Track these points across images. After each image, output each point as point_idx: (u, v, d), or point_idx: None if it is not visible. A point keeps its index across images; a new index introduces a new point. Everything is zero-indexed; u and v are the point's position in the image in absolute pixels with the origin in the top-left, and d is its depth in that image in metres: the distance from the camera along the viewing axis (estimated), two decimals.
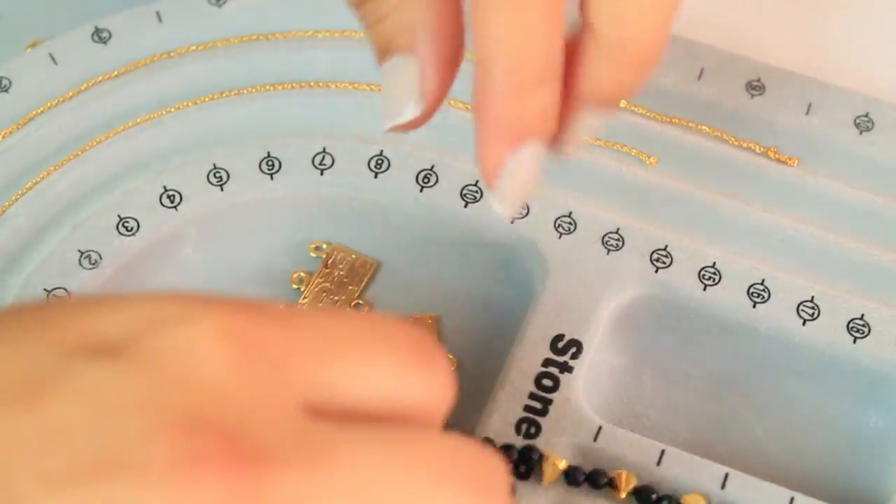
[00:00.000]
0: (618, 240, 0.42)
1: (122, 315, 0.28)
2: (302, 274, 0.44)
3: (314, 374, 0.28)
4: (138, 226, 0.42)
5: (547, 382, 0.40)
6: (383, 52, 0.35)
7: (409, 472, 0.28)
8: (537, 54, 0.34)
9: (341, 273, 0.44)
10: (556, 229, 0.42)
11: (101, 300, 0.29)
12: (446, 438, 0.29)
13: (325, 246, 0.44)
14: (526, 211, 0.43)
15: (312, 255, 0.44)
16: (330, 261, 0.44)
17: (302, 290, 0.43)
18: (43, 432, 0.26)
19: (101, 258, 0.42)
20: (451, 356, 0.42)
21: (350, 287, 0.44)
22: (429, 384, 0.29)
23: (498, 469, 0.29)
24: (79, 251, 0.42)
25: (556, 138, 0.36)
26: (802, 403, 0.42)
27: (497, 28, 0.34)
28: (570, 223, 0.43)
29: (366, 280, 0.44)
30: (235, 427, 0.27)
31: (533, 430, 0.39)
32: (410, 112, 0.35)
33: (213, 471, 0.26)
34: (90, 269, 0.42)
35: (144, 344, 0.27)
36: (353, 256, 0.44)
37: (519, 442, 0.39)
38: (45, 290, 0.41)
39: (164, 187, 0.43)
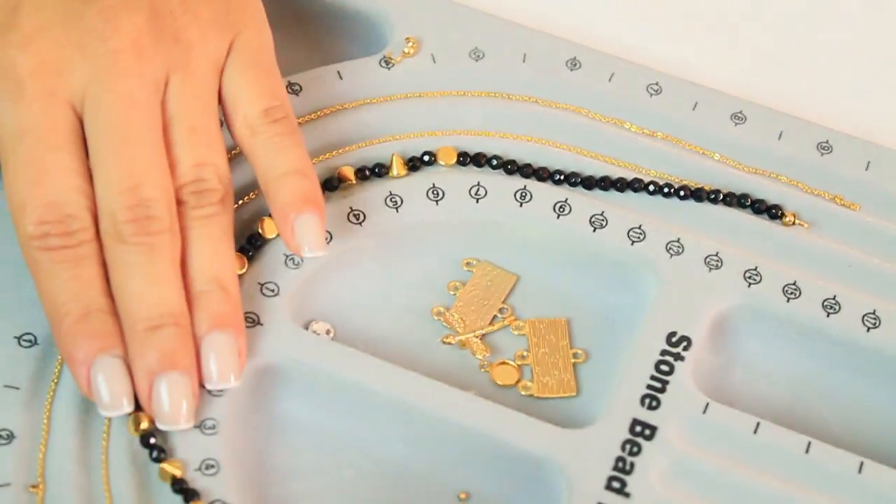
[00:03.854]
0: (717, 261, 0.52)
1: None
2: (457, 283, 0.54)
3: None
4: (331, 237, 0.52)
5: (664, 368, 0.50)
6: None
7: None
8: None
9: (488, 283, 0.54)
10: (668, 251, 0.53)
11: None
12: None
13: (475, 261, 0.54)
14: (643, 235, 0.53)
15: (465, 268, 0.54)
16: (479, 273, 0.54)
17: (456, 295, 0.53)
18: None
19: (302, 261, 0.52)
20: (581, 349, 0.52)
21: (494, 295, 0.54)
22: None
23: None
24: (284, 254, 0.52)
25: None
26: (865, 396, 0.52)
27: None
28: (678, 247, 0.53)
29: (508, 290, 0.54)
30: None
31: (654, 403, 0.49)
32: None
33: None
34: (294, 268, 0.52)
35: None
36: (498, 270, 0.54)
37: (616, 472, 0.48)
38: (258, 283, 0.51)
39: (351, 208, 0.53)
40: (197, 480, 0.47)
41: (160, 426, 0.47)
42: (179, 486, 0.46)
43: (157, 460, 0.47)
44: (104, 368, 0.47)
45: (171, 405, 0.47)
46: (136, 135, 0.48)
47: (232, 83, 0.51)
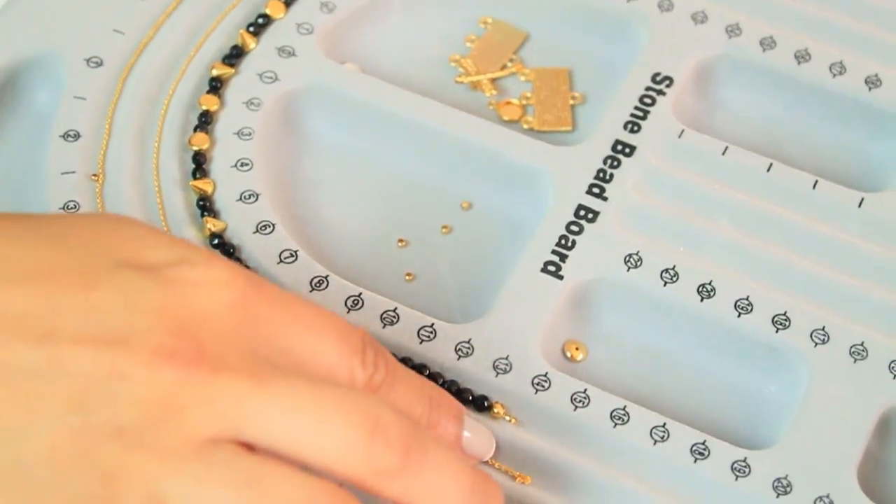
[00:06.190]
0: (703, 17, 0.59)
1: (163, 249, 0.41)
2: (473, 37, 0.61)
3: (277, 334, 0.41)
4: None
5: (647, 101, 0.56)
6: None
7: (322, 410, 0.40)
8: None
9: (500, 38, 0.61)
10: (659, 7, 0.59)
11: (157, 235, 0.41)
12: (367, 398, 0.40)
13: (490, 20, 0.61)
14: None
15: (481, 25, 0.61)
16: (493, 30, 0.61)
17: (471, 48, 0.60)
18: (87, 307, 0.39)
19: (336, 5, 0.59)
20: (579, 94, 0.59)
21: (505, 48, 0.60)
22: (355, 364, 0.42)
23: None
24: (320, 1, 0.59)
25: None
26: (830, 135, 0.58)
27: None
28: (669, 4, 0.59)
29: (518, 45, 0.61)
30: (210, 343, 0.39)
31: (635, 128, 0.56)
32: None
33: (179, 364, 0.39)
34: (327, 13, 0.59)
35: (174, 272, 0.40)
36: (510, 28, 0.61)
37: (596, 181, 0.55)
38: (295, 23, 0.58)
39: None
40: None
41: None
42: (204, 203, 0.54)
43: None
44: None
45: None
46: None
47: None
